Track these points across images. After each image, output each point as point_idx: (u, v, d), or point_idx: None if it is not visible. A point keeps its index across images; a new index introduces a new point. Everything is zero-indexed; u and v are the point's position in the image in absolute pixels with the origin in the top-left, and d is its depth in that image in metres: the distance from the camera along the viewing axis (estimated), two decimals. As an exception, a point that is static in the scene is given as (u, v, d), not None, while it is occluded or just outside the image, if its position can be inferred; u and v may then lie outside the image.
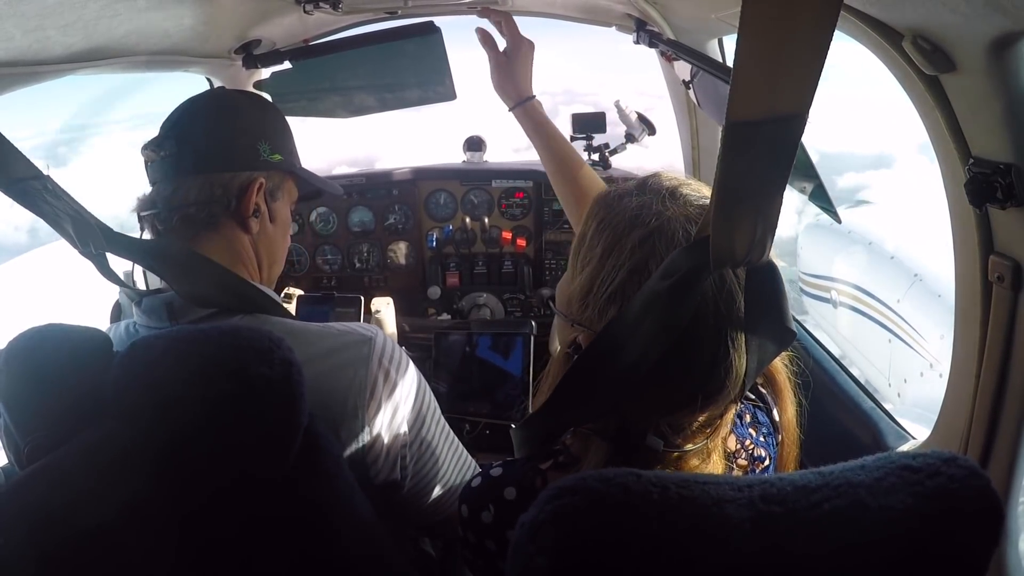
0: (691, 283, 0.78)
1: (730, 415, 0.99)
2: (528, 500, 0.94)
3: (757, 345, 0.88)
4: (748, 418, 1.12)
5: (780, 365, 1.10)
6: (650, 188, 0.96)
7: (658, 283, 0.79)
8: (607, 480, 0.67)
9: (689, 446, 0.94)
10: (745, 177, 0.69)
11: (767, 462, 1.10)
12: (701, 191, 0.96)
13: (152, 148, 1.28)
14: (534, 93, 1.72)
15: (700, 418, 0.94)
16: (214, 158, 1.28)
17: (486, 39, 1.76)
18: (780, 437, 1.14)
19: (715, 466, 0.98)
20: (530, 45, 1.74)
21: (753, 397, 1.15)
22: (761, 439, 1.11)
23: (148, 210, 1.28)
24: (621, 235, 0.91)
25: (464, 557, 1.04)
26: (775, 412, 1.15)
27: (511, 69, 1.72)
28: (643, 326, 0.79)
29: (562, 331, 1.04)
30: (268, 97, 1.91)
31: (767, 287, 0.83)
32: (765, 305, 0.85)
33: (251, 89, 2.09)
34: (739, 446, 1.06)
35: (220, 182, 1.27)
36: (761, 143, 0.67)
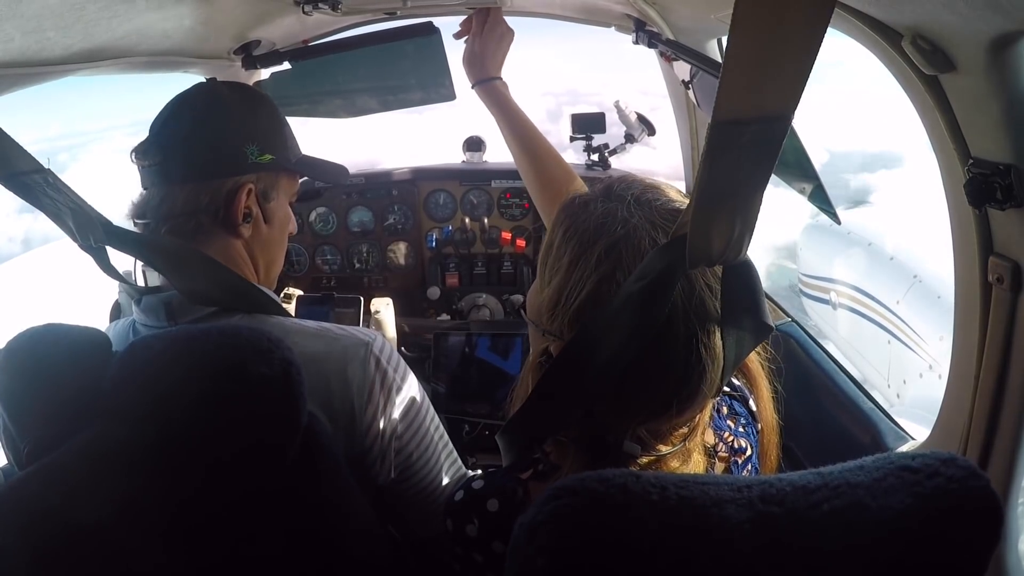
0: (665, 282, 0.78)
1: (706, 414, 0.99)
2: (510, 511, 0.95)
3: (735, 342, 0.88)
4: (725, 410, 1.12)
5: (752, 355, 1.08)
6: (616, 194, 0.95)
7: (632, 284, 0.79)
8: (606, 481, 0.67)
9: (666, 448, 0.95)
10: (727, 176, 0.70)
11: (748, 452, 1.10)
12: (668, 195, 0.96)
13: (139, 156, 1.26)
14: (502, 77, 1.73)
15: (676, 421, 0.95)
16: (198, 166, 1.25)
17: (472, 20, 1.79)
18: (759, 426, 1.14)
19: (696, 465, 0.99)
20: (509, 31, 1.76)
21: (729, 389, 1.15)
22: (740, 430, 1.11)
23: (139, 219, 1.26)
24: (587, 245, 0.91)
25: (453, 570, 1.04)
26: (751, 402, 1.15)
27: (483, 47, 1.74)
28: (617, 328, 0.79)
29: (534, 340, 1.04)
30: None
31: (744, 285, 0.84)
32: (742, 303, 0.85)
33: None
34: (717, 439, 1.06)
35: (207, 190, 1.24)
36: (746, 143, 0.68)
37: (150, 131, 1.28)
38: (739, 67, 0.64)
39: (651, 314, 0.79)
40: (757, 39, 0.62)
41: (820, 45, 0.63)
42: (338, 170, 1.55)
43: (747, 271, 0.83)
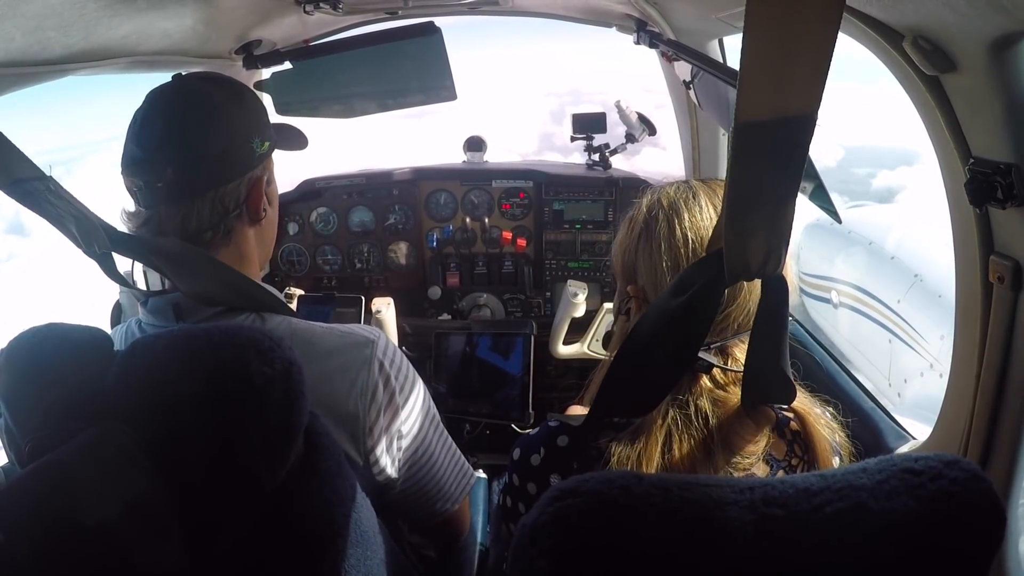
0: (707, 296, 0.79)
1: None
2: (576, 448, 1.03)
3: (758, 356, 0.90)
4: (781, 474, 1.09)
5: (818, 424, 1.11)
6: None
7: (669, 300, 0.80)
8: (609, 482, 0.67)
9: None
10: (755, 183, 0.70)
11: None
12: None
13: (136, 177, 1.19)
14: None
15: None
16: (216, 176, 1.21)
17: None
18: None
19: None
20: None
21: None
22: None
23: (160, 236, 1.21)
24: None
25: (504, 507, 1.13)
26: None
27: None
28: (659, 346, 0.81)
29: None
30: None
31: (776, 303, 0.85)
32: (772, 322, 0.87)
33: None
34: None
35: (228, 194, 1.22)
36: (770, 146, 0.67)
37: (140, 149, 1.19)
38: (755, 67, 0.64)
39: (697, 330, 0.81)
40: (770, 38, 0.62)
41: (834, 41, 0.63)
42: (294, 133, 1.52)
43: (782, 290, 0.83)
